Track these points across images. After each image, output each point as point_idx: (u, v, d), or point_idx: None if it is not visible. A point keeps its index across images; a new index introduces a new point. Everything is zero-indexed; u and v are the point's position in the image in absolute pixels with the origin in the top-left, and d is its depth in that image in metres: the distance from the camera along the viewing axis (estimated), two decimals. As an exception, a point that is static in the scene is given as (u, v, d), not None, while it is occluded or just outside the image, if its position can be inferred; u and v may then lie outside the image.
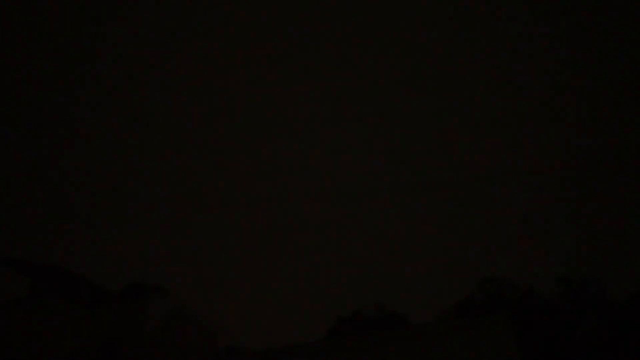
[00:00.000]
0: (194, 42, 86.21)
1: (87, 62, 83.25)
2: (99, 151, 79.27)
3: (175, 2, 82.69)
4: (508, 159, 72.91)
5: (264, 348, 19.56)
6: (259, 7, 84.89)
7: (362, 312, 30.37)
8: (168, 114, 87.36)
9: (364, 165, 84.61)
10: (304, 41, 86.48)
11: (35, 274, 22.03)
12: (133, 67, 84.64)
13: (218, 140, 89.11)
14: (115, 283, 23.83)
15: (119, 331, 20.14)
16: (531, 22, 75.43)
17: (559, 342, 24.06)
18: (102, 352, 20.21)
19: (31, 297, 21.30)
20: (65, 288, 21.62)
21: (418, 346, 16.65)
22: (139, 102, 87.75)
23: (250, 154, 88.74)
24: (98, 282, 22.82)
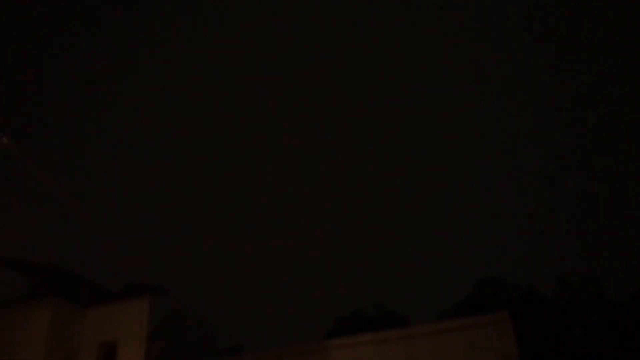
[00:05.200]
0: (197, 42, 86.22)
1: (88, 63, 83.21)
2: (99, 151, 79.23)
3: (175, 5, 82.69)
4: (508, 158, 72.92)
5: (264, 348, 19.55)
6: (258, 7, 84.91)
7: (362, 312, 30.30)
8: (167, 115, 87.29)
9: (363, 164, 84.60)
10: (304, 37, 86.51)
11: (35, 274, 22.02)
12: (133, 66, 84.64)
13: (218, 140, 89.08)
14: (115, 283, 23.81)
15: (119, 331, 20.13)
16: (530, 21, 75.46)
17: (559, 342, 24.06)
18: (102, 352, 20.21)
19: (31, 297, 21.30)
20: (65, 288, 21.60)
21: (418, 346, 16.66)
22: (139, 102, 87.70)
23: (249, 153, 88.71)
24: (98, 282, 22.79)
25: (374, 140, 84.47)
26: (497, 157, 73.51)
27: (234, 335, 25.60)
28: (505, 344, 15.68)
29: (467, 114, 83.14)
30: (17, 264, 21.79)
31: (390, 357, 16.70)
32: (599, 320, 24.83)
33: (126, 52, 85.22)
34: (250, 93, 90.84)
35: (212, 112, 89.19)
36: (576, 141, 70.13)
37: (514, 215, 71.32)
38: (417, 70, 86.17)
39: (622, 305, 24.82)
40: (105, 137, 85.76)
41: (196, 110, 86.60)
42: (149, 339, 19.76)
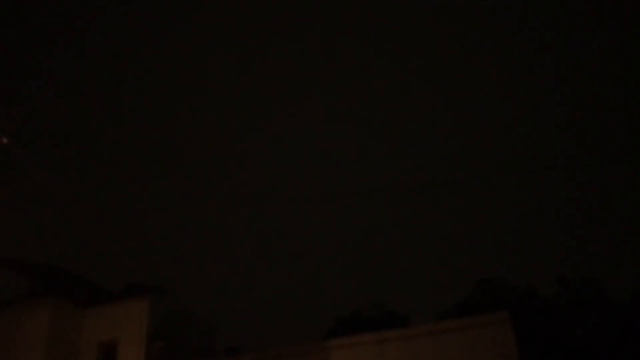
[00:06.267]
0: (192, 42, 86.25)
1: (80, 60, 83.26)
2: (98, 151, 79.23)
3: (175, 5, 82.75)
4: (508, 157, 72.93)
5: (264, 348, 19.54)
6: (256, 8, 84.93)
7: (362, 312, 30.26)
8: (165, 115, 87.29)
9: (363, 164, 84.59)
10: (304, 37, 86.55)
11: (35, 274, 22.00)
12: (132, 66, 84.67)
13: (218, 140, 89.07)
14: (115, 283, 23.80)
15: (119, 331, 20.12)
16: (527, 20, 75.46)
17: (559, 342, 24.04)
18: (102, 352, 20.20)
19: (31, 297, 21.29)
20: (65, 288, 21.59)
21: (418, 346, 16.65)
22: (138, 101, 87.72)
23: (249, 154, 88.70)
24: (98, 282, 22.77)
25: (373, 140, 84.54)
26: (498, 157, 73.51)
27: (234, 335, 25.59)
28: (505, 344, 15.67)
29: (468, 114, 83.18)
30: (17, 264, 21.78)
31: (390, 357, 16.69)
32: (599, 320, 24.82)
33: (126, 51, 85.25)
34: (250, 94, 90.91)
35: (212, 112, 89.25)
36: (576, 141, 70.14)
37: (514, 216, 71.34)
38: (416, 70, 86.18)
39: (622, 305, 24.80)
40: (105, 137, 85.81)
41: (196, 110, 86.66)
42: (148, 339, 19.75)
